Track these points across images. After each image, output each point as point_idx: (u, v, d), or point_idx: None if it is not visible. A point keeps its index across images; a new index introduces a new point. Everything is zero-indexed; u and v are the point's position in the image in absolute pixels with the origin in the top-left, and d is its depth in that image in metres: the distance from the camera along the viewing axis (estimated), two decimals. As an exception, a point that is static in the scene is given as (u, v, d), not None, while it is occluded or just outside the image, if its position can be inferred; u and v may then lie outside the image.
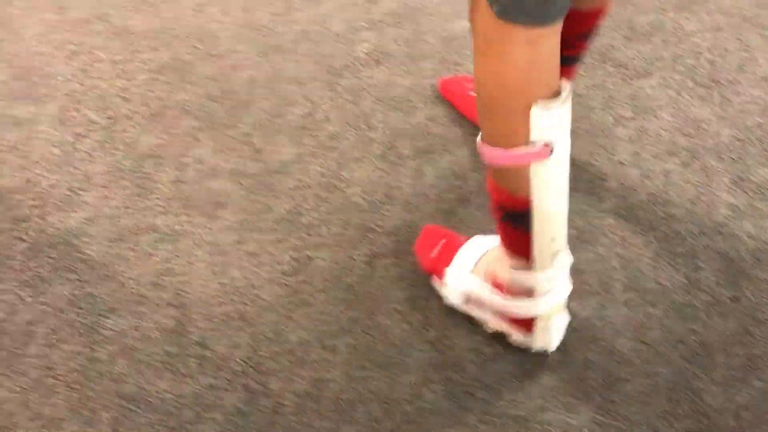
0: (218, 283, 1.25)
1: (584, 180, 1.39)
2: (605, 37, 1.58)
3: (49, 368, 1.15)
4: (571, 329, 1.17)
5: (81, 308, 1.21)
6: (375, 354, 1.17)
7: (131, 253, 1.27)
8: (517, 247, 1.03)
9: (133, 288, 1.23)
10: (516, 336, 1.14)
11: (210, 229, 1.31)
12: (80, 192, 1.33)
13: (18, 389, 1.12)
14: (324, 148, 1.41)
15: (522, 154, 0.90)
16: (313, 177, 1.38)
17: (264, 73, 1.50)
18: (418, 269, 1.26)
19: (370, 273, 1.26)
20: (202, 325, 1.20)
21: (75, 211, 1.31)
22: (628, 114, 1.47)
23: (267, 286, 1.25)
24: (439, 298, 1.22)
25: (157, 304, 1.22)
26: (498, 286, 1.11)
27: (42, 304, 1.21)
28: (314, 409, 1.11)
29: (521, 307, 1.09)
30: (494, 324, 1.15)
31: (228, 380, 1.14)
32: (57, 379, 1.13)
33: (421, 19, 1.60)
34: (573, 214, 1.34)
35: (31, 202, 1.32)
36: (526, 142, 0.89)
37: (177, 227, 1.30)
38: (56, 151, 1.38)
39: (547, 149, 0.89)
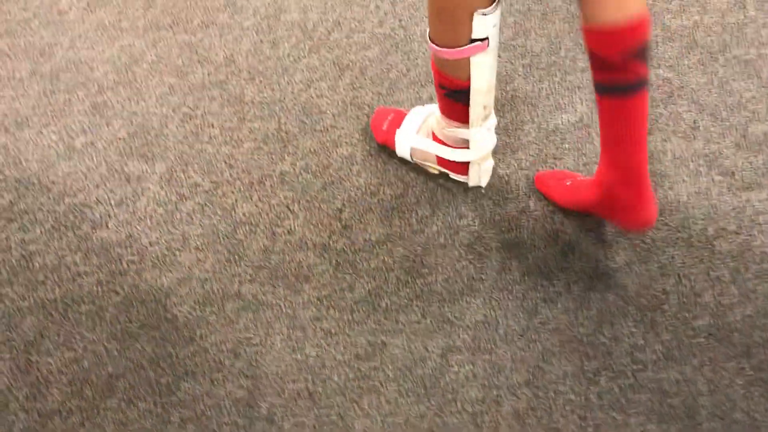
0: (293, 358, 1.27)
1: (677, 292, 1.33)
2: (713, 143, 1.52)
3: (124, 424, 1.19)
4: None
5: (161, 367, 1.26)
6: (438, 453, 1.15)
7: (215, 318, 1.31)
8: (456, 116, 1.31)
9: (211, 353, 1.27)
10: (454, 176, 1.45)
11: (291, 302, 1.33)
12: (176, 252, 1.39)
13: (93, 440, 1.17)
14: (412, 232, 1.42)
15: (466, 49, 1.15)
16: (397, 260, 1.38)
17: (362, 152, 1.53)
18: (493, 369, 1.24)
19: (443, 367, 1.25)
20: (272, 399, 1.22)
21: (169, 271, 1.37)
22: (732, 227, 1.40)
23: (339, 367, 1.25)
24: (509, 400, 1.19)
25: (232, 373, 1.25)
26: (439, 140, 1.40)
27: (126, 359, 1.27)
28: (371, 503, 1.10)
29: (460, 154, 1.38)
30: (436, 168, 1.46)
31: (290, 460, 1.15)
32: (130, 436, 1.18)
33: (521, 109, 1.59)
34: (662, 328, 1.29)
35: (130, 257, 1.39)
36: (469, 40, 1.13)
37: (261, 297, 1.34)
38: (160, 210, 1.45)
39: (485, 43, 1.14)
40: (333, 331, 1.30)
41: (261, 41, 1.73)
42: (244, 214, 1.44)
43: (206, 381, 1.24)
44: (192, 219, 1.44)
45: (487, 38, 1.13)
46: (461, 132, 1.33)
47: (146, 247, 1.40)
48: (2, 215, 1.44)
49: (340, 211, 1.45)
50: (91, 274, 1.36)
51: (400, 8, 1.80)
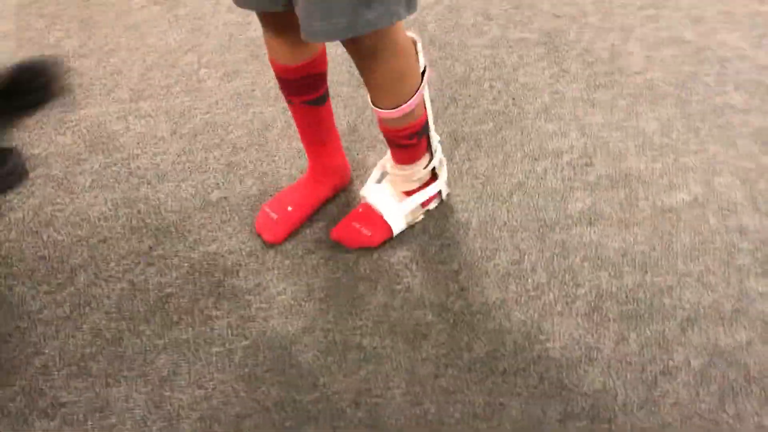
0: (412, 412, 1.30)
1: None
2: None
3: (250, 462, 1.23)
4: None
5: (285, 411, 1.30)
6: None
7: (336, 367, 1.36)
8: (424, 151, 1.48)
9: (333, 401, 1.31)
10: (434, 206, 1.61)
11: (410, 357, 1.37)
12: (302, 302, 1.46)
13: (219, 476, 1.22)
14: (528, 297, 1.45)
15: (421, 93, 1.34)
16: (514, 323, 1.41)
17: (477, 218, 1.59)
18: (612, 437, 1.23)
19: None
20: (392, 450, 1.24)
21: (295, 319, 1.43)
22: None
23: (457, 425, 1.27)
24: (632, 472, 1.18)
25: (353, 422, 1.28)
26: (412, 193, 1.55)
27: (253, 400, 1.32)
28: None
29: (434, 188, 1.56)
30: (415, 216, 1.58)
31: None
32: (254, 475, 1.22)
33: (635, 186, 1.63)
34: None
35: (259, 305, 1.46)
36: (421, 80, 1.33)
37: (380, 350, 1.38)
38: (287, 262, 1.53)
39: (427, 72, 1.35)
40: (451, 389, 1.33)
41: (382, 112, 1.84)
42: (365, 270, 1.51)
43: (328, 427, 1.28)
44: (317, 272, 1.51)
45: (425, 69, 1.35)
46: (427, 167, 1.51)
47: (274, 296, 1.47)
48: (142, 259, 1.55)
49: (457, 273, 1.50)
50: (222, 318, 1.44)
51: (513, 87, 1.89)
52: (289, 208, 1.56)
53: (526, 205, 1.62)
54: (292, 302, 1.46)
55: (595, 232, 1.55)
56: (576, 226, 1.57)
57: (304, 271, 1.51)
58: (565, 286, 1.47)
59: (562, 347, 1.37)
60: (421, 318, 1.43)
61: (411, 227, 1.57)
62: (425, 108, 1.40)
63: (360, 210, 1.57)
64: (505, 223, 1.59)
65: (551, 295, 1.46)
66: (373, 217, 1.54)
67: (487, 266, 1.51)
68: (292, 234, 1.57)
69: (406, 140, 1.42)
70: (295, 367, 1.36)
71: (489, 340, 1.39)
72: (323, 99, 1.46)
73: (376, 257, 1.53)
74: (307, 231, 1.58)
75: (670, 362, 1.34)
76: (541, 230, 1.57)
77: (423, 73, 1.33)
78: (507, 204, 1.62)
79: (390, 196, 1.55)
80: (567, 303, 1.44)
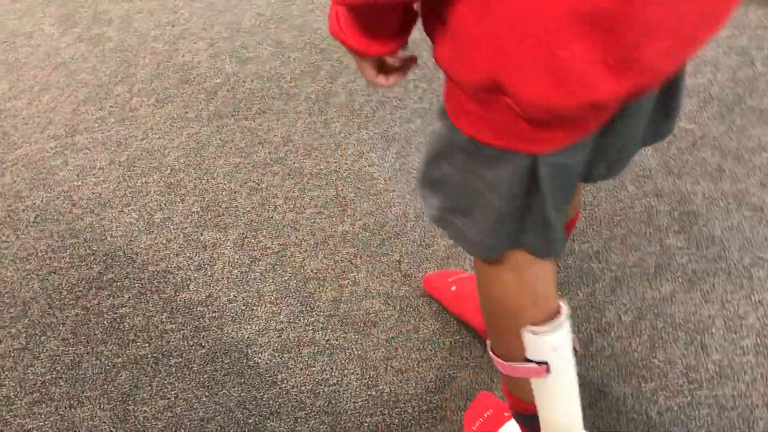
0: (368, 394, 1.36)
1: (722, 317, 1.42)
2: (739, 183, 1.64)
3: (218, 461, 1.28)
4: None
5: (247, 409, 1.36)
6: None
7: (293, 363, 1.42)
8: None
9: (293, 395, 1.37)
10: None
11: (362, 345, 1.44)
12: (253, 307, 1.51)
13: (190, 478, 1.26)
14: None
15: (519, 368, 0.94)
16: (457, 303, 1.50)
17: (414, 210, 1.67)
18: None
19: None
20: (353, 432, 1.31)
21: (248, 324, 1.49)
22: (767, 256, 1.50)
23: (412, 401, 1.34)
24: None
25: (314, 411, 1.34)
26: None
27: (215, 403, 1.37)
28: None
29: None
30: None
31: (374, 486, 1.23)
32: (223, 472, 1.27)
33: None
34: (712, 349, 1.37)
35: (211, 314, 1.51)
36: (524, 358, 0.93)
37: (333, 342, 1.45)
38: (235, 271, 1.58)
39: (544, 368, 0.91)
40: (403, 369, 1.40)
41: (314, 122, 1.91)
42: (311, 271, 1.57)
43: (290, 419, 1.33)
44: (265, 277, 1.57)
45: (545, 363, 0.91)
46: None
47: (225, 305, 1.52)
48: (93, 284, 1.58)
49: (399, 262, 1.58)
50: (177, 331, 1.49)
51: (437, 85, 1.98)
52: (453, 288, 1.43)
53: (458, 192, 1.71)
54: (244, 308, 1.52)
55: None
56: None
57: (253, 278, 1.57)
58: (501, 263, 1.56)
59: (503, 318, 1.46)
60: (369, 308, 1.50)
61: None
62: (534, 403, 1.00)
63: (500, 410, 1.27)
64: (440, 212, 1.67)
65: (489, 272, 1.55)
66: (491, 424, 1.26)
67: (426, 252, 1.60)
68: (239, 246, 1.63)
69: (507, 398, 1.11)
70: (252, 367, 1.42)
71: (434, 320, 1.47)
72: None
73: (322, 257, 1.60)
74: (253, 240, 1.64)
75: (603, 320, 1.44)
76: (474, 214, 1.66)
77: (542, 364, 0.93)
78: (440, 194, 1.71)
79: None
80: (504, 278, 1.53)
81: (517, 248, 0.86)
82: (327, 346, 1.44)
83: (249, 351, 1.45)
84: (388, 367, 1.40)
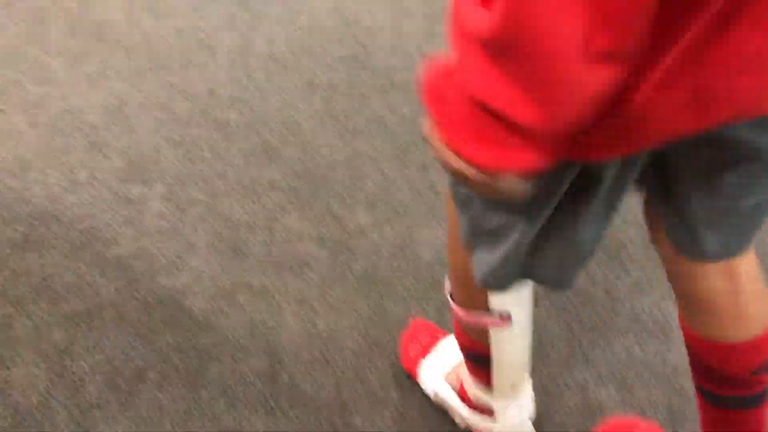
0: (305, 332, 1.39)
1: (638, 236, 1.49)
2: None
3: (159, 408, 1.29)
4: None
5: (186, 355, 1.37)
6: (448, 392, 1.28)
7: (229, 309, 1.43)
8: (478, 377, 1.10)
9: (231, 338, 1.39)
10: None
11: (297, 286, 1.46)
12: (185, 257, 1.52)
13: (131, 425, 1.27)
14: (397, 215, 1.57)
15: (480, 319, 0.94)
16: (388, 239, 1.53)
17: (343, 154, 1.69)
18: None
19: (442, 320, 1.38)
20: (293, 369, 1.33)
21: (182, 274, 1.49)
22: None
23: (349, 334, 1.38)
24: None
25: (252, 352, 1.36)
26: (464, 395, 1.18)
27: (153, 351, 1.38)
28: (394, 442, 1.22)
29: (481, 423, 1.17)
30: (462, 422, 1.22)
31: (316, 417, 1.26)
32: (164, 416, 1.28)
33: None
34: (629, 266, 1.45)
35: (144, 267, 1.51)
36: (485, 308, 0.92)
37: (268, 285, 1.47)
38: (164, 223, 1.58)
39: (506, 319, 0.92)
40: (338, 304, 1.43)
41: (236, 73, 1.90)
42: (242, 218, 1.58)
43: (230, 361, 1.35)
44: (195, 228, 1.57)
45: (508, 314, 0.92)
46: (486, 396, 1.11)
47: (157, 257, 1.52)
48: (19, 246, 1.55)
49: (329, 205, 1.60)
50: (109, 285, 1.48)
51: (356, 29, 1.99)
52: None
53: (382, 132, 1.74)
54: (176, 259, 1.52)
55: (448, 147, 1.69)
56: (431, 145, 1.70)
57: (183, 229, 1.57)
58: (429, 199, 1.60)
59: (432, 251, 1.50)
60: (302, 250, 1.52)
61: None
62: (489, 343, 0.99)
63: (435, 335, 1.31)
64: (368, 154, 1.70)
65: (418, 209, 1.58)
66: (426, 348, 1.29)
67: (357, 195, 1.62)
68: (166, 199, 1.62)
69: (457, 340, 1.11)
70: (188, 315, 1.43)
71: (366, 257, 1.50)
72: None
73: (251, 204, 1.60)
74: (180, 193, 1.63)
75: (528, 246, 1.50)
76: (400, 155, 1.69)
77: (504, 316, 0.93)
78: (365, 135, 1.73)
79: (448, 363, 1.25)
80: (432, 214, 1.57)
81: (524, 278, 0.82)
82: (262, 289, 1.46)
83: (183, 300, 1.45)
84: (324, 305, 1.43)
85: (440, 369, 1.25)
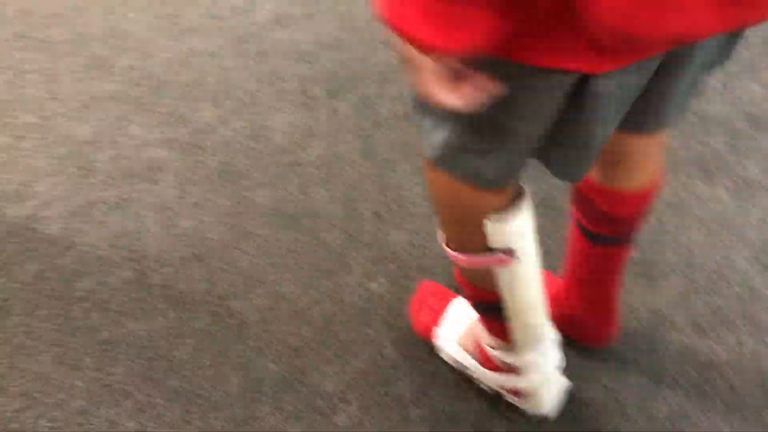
0: (169, 234, 1.38)
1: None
2: None
3: (31, 331, 1.26)
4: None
5: (50, 278, 1.33)
6: (320, 262, 1.31)
7: (86, 226, 1.39)
8: (494, 332, 1.01)
9: (94, 252, 1.36)
10: (509, 398, 1.13)
11: (153, 191, 1.44)
12: (30, 184, 1.45)
13: (3, 355, 1.24)
14: (242, 104, 1.56)
15: (482, 259, 0.87)
16: (238, 131, 1.52)
17: (178, 54, 1.64)
18: (346, 191, 1.41)
19: (305, 200, 1.40)
20: (163, 270, 1.33)
21: (30, 201, 1.43)
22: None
23: (214, 227, 1.38)
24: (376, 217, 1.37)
25: (118, 262, 1.34)
26: (484, 355, 1.10)
27: (14, 281, 1.33)
28: (275, 318, 1.25)
29: (507, 381, 1.08)
30: (489, 388, 1.15)
31: (194, 310, 1.27)
32: (39, 340, 1.25)
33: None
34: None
35: (-14, 201, 1.43)
36: (485, 248, 0.85)
37: (123, 195, 1.43)
38: (2, 155, 1.49)
39: (509, 256, 0.85)
40: (199, 202, 1.42)
41: (50, -12, 1.78)
42: (84, 135, 1.52)
43: (96, 274, 1.33)
44: (36, 153, 1.49)
45: (511, 249, 0.85)
46: (506, 356, 1.03)
47: (-1, 188, 1.45)
48: None
49: (173, 107, 1.56)
50: (-48, 226, 1.40)
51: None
52: None
53: (215, 27, 1.69)
54: (21, 188, 1.45)
55: (286, 32, 1.67)
56: (268, 31, 1.67)
57: (23, 157, 1.49)
58: (274, 85, 1.59)
59: (285, 135, 1.51)
60: (152, 156, 1.49)
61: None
62: (496, 288, 0.92)
63: (444, 296, 1.23)
64: (206, 51, 1.65)
65: (264, 97, 1.57)
66: (437, 312, 1.21)
67: (200, 93, 1.59)
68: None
69: (464, 295, 1.03)
70: (45, 240, 1.38)
71: (219, 152, 1.49)
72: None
73: (92, 119, 1.54)
74: (11, 120, 1.54)
75: (378, 116, 1.53)
76: (237, 47, 1.66)
77: (507, 252, 0.86)
78: (200, 33, 1.68)
79: (460, 326, 1.17)
80: (279, 99, 1.57)
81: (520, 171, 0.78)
82: (118, 201, 1.43)
83: (36, 225, 1.40)
84: (184, 205, 1.42)
85: (453, 335, 1.17)
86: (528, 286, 0.91)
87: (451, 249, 0.90)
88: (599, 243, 1.01)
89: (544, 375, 1.05)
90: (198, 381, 1.19)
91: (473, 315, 1.13)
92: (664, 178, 0.99)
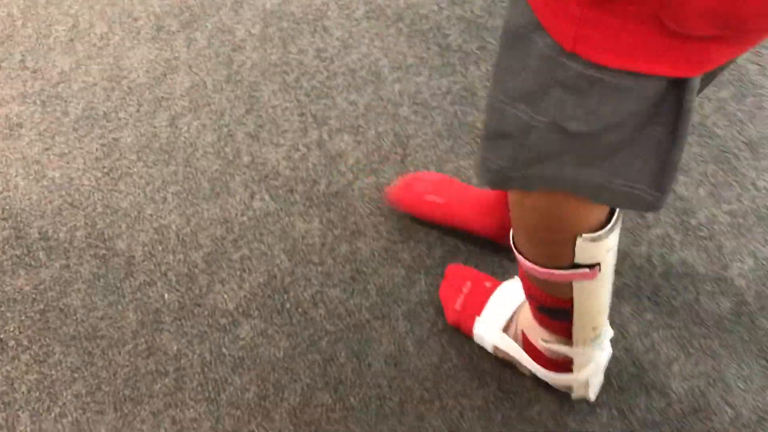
0: (40, 186, 1.34)
1: (334, 2, 1.56)
2: None
3: None
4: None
5: None
6: (200, 189, 1.31)
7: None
8: (554, 330, 0.98)
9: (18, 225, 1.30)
10: (557, 386, 1.10)
11: (14, 147, 1.38)
12: None
13: None
14: (98, 49, 1.51)
15: (567, 275, 0.83)
16: (96, 75, 1.47)
17: (19, 6, 1.56)
18: (216, 118, 1.40)
19: (176, 132, 1.39)
20: (38, 223, 1.29)
21: None
22: None
23: (86, 173, 1.35)
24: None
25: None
26: (531, 347, 1.06)
27: None
28: (163, 249, 1.25)
29: (560, 378, 1.05)
30: (528, 372, 1.12)
31: (78, 256, 1.25)
32: None
33: None
34: (333, 30, 1.51)
35: None
36: (571, 264, 0.82)
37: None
38: None
39: (594, 271, 0.82)
40: (66, 151, 1.38)
41: None
42: (-71, 102, 1.44)
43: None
44: None
45: (597, 264, 0.82)
46: (561, 347, 0.99)
47: None
48: None
49: (23, 61, 1.49)
50: None
51: None
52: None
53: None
54: None
55: (128, -31, 1.61)
56: (111, -28, 1.61)
57: None
58: (125, 25, 1.54)
59: (143, 70, 1.48)
60: (10, 113, 1.43)
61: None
62: (570, 297, 0.88)
63: (478, 281, 1.17)
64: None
65: (117, 38, 1.52)
66: (473, 298, 1.15)
67: (49, 42, 1.52)
68: None
69: (528, 296, 0.97)
70: None
71: (79, 99, 1.44)
72: None
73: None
74: None
75: (236, 39, 1.52)
76: (82, -9, 1.59)
77: (594, 267, 0.82)
78: (40, -16, 1.61)
79: (504, 315, 1.11)
80: (134, 38, 1.52)
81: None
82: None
83: None
84: (51, 156, 1.37)
85: (496, 322, 1.11)
86: (604, 294, 0.90)
87: (529, 260, 0.85)
88: None
89: (597, 367, 1.03)
90: (94, 323, 1.18)
91: (518, 301, 1.10)
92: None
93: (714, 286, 1.20)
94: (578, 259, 0.80)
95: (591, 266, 0.81)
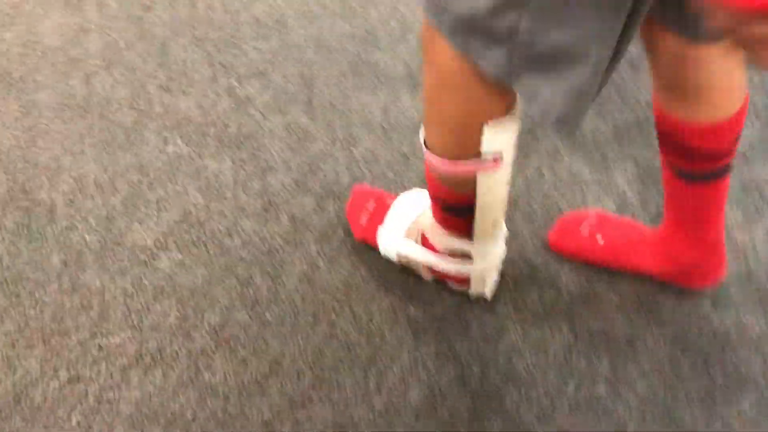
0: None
1: None
2: None
3: None
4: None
5: None
6: (116, 140, 1.38)
7: None
8: (456, 228, 1.05)
9: None
10: (453, 285, 1.18)
11: None
12: None
13: None
14: (8, 17, 1.56)
15: (470, 165, 0.90)
16: (8, 42, 1.52)
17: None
18: (129, 74, 1.46)
19: (90, 90, 1.45)
20: (-40, 183, 1.34)
21: None
22: None
23: (4, 134, 1.40)
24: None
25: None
26: (431, 247, 1.13)
27: None
28: (82, 196, 1.31)
29: (460, 268, 1.12)
30: (429, 274, 1.19)
31: (1, 209, 1.30)
32: None
33: None
34: None
35: None
36: (475, 154, 0.89)
37: None
38: None
39: (497, 162, 0.90)
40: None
41: None
42: None
43: None
44: None
45: (500, 154, 0.89)
46: (461, 243, 1.07)
47: None
48: None
49: (-63, 34, 1.54)
50: None
51: None
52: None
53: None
54: None
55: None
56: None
57: None
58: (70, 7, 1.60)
59: (56, 35, 1.53)
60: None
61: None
62: (474, 192, 0.96)
63: (382, 198, 1.24)
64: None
65: (28, 6, 1.58)
66: (378, 213, 1.22)
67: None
68: None
69: (433, 198, 1.05)
70: None
71: (53, 85, 1.49)
72: None
73: None
74: None
75: (146, 1, 1.57)
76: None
77: (496, 157, 0.90)
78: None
79: (404, 221, 1.17)
80: (43, 5, 1.58)
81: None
82: None
83: None
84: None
85: (398, 230, 1.18)
86: (504, 188, 0.97)
87: (436, 154, 0.91)
88: (697, 181, 1.02)
89: (493, 262, 1.12)
90: (19, 268, 1.24)
91: (418, 210, 1.17)
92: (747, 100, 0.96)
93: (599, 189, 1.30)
94: (485, 148, 0.88)
95: (495, 157, 0.89)
